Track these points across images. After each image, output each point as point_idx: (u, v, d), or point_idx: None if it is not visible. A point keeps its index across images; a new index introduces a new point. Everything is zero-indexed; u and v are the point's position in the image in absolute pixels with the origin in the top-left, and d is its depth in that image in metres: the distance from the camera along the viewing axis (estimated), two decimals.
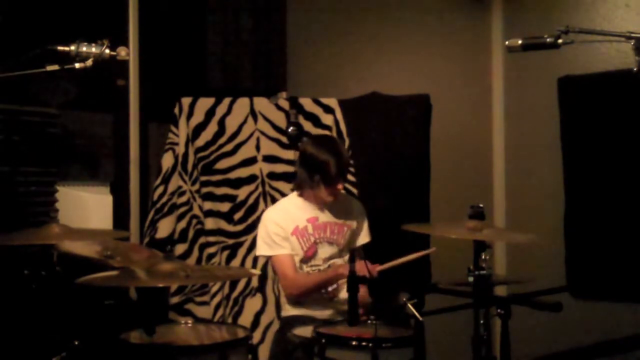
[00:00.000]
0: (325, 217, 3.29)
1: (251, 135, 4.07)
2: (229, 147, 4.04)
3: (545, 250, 3.96)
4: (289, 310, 3.32)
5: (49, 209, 3.81)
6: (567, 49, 2.59)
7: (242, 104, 4.10)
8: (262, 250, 3.28)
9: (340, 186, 3.21)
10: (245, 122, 4.07)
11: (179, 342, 2.76)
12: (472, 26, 4.41)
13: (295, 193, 3.34)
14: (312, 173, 3.18)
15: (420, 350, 2.37)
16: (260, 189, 4.04)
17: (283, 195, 3.94)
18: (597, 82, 3.90)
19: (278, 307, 3.76)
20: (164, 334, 2.77)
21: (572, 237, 3.96)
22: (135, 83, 4.21)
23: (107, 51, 2.69)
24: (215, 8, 4.52)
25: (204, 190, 3.99)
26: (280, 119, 4.09)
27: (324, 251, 3.27)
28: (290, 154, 4.06)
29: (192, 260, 3.94)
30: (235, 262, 3.97)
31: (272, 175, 4.05)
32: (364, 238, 3.43)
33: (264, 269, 3.83)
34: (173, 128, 4.04)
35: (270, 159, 4.06)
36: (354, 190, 4.03)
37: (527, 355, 3.16)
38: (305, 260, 3.26)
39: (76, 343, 2.77)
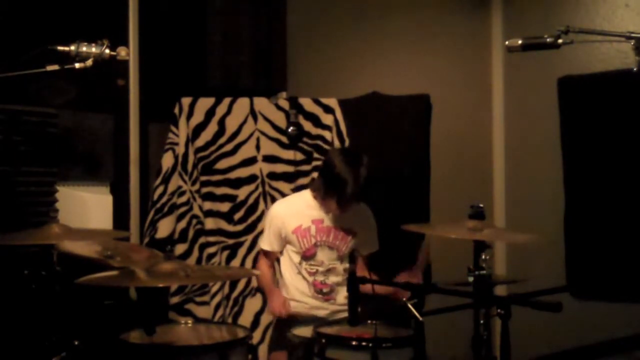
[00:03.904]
0: (332, 221, 3.26)
1: (251, 135, 4.07)
2: (229, 147, 4.04)
3: (545, 250, 3.95)
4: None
5: (49, 209, 3.79)
6: (567, 49, 2.59)
7: (242, 104, 4.10)
8: (260, 242, 3.41)
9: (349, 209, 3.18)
10: (245, 122, 4.08)
11: (179, 342, 2.76)
12: (472, 26, 4.41)
13: (309, 191, 3.32)
14: (328, 185, 3.14)
15: (420, 350, 2.37)
16: (260, 189, 4.04)
17: (283, 195, 3.95)
18: (597, 82, 3.90)
19: None
20: (164, 334, 2.78)
21: (572, 237, 3.96)
22: (135, 83, 4.21)
23: (107, 51, 2.69)
24: (215, 8, 4.52)
25: (204, 190, 3.99)
26: (280, 119, 4.09)
27: (323, 254, 3.25)
28: (290, 154, 4.07)
29: (192, 260, 3.95)
30: (235, 262, 3.97)
31: (272, 175, 4.06)
32: (370, 247, 3.38)
33: None
34: (173, 128, 4.04)
35: (270, 159, 4.07)
36: None
37: (527, 355, 3.15)
38: (305, 258, 3.26)
39: (76, 343, 2.77)
